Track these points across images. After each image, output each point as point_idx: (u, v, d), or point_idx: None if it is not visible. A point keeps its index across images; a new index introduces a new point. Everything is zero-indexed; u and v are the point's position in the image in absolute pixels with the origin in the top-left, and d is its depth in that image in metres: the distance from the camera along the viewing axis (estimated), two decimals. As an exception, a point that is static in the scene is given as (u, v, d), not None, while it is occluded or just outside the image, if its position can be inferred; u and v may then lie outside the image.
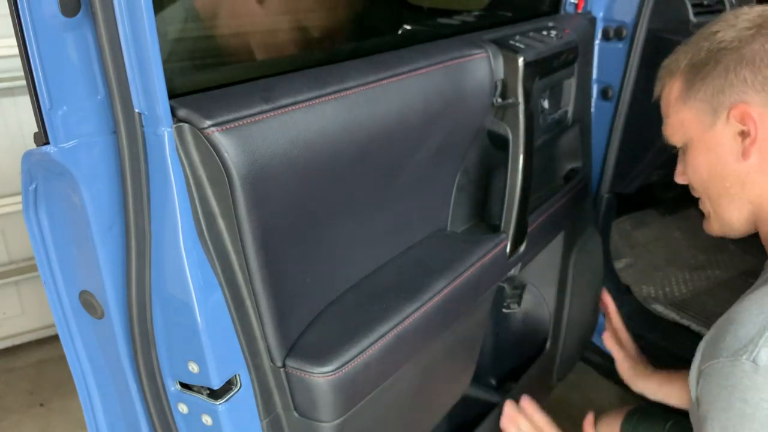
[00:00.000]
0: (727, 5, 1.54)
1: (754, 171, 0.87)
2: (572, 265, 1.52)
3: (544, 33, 1.20)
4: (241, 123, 0.67)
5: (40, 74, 0.59)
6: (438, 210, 1.10)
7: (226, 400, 0.75)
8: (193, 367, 0.72)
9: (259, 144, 0.68)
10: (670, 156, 1.03)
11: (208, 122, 0.65)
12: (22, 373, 2.19)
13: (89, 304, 0.73)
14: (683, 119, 0.93)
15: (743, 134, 0.86)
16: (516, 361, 1.58)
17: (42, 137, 0.62)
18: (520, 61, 1.05)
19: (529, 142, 1.10)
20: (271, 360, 0.78)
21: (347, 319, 0.86)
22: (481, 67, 1.02)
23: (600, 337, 1.79)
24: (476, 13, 1.32)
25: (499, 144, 1.11)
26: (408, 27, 1.21)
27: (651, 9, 1.45)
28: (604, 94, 1.55)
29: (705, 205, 0.98)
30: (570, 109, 1.39)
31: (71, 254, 0.73)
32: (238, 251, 0.71)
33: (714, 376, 0.79)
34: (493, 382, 1.55)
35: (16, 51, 0.60)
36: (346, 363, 0.80)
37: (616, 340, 1.31)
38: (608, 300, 1.41)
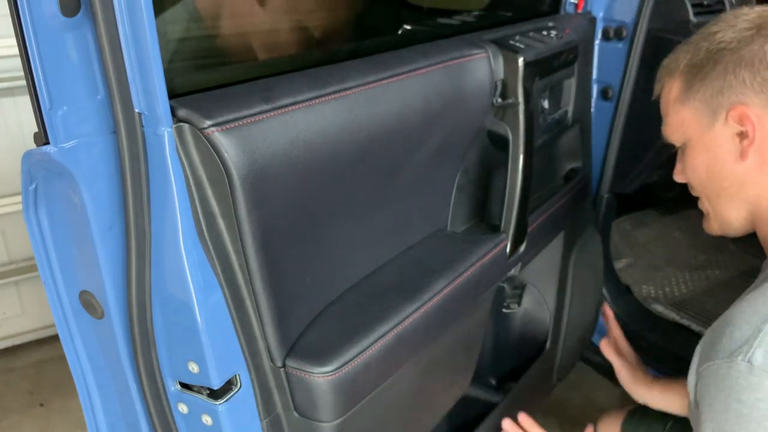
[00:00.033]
0: (727, 5, 1.54)
1: (752, 172, 0.88)
2: (572, 265, 1.52)
3: (544, 33, 1.20)
4: (241, 123, 0.67)
5: (40, 74, 0.59)
6: (438, 210, 1.10)
7: (226, 400, 0.75)
8: (193, 367, 0.72)
9: (259, 144, 0.68)
10: (670, 156, 1.03)
11: (208, 122, 0.65)
12: (22, 373, 2.19)
13: (89, 304, 0.73)
14: (682, 119, 0.93)
15: (741, 135, 0.86)
16: (516, 361, 1.58)
17: (42, 137, 0.62)
18: (520, 61, 1.05)
19: (529, 142, 1.10)
20: (271, 360, 0.78)
21: (347, 319, 0.86)
22: (481, 67, 1.02)
23: (600, 338, 1.80)
24: (476, 13, 1.32)
25: (499, 144, 1.11)
26: (408, 27, 1.21)
27: (651, 9, 1.45)
28: (604, 94, 1.55)
29: (704, 205, 0.98)
30: (570, 109, 1.39)
31: (71, 254, 0.73)
32: (238, 251, 0.71)
33: (711, 378, 0.79)
34: (493, 382, 1.55)
35: (16, 51, 0.60)
36: (346, 363, 0.80)
37: (614, 349, 1.31)
38: (608, 310, 1.41)
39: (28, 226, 0.73)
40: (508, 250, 1.14)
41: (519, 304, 1.53)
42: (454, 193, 1.11)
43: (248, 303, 0.74)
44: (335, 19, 1.06)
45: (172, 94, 0.64)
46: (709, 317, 1.70)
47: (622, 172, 1.64)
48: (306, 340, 0.82)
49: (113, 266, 0.69)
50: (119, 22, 0.59)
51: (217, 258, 0.71)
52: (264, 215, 0.71)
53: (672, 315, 1.77)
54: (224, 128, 0.66)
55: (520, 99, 1.07)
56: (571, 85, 1.36)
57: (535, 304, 1.55)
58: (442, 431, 1.41)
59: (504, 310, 1.52)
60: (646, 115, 1.52)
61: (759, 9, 0.91)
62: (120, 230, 0.68)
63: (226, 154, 0.65)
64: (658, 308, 1.80)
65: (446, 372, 1.15)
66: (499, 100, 1.07)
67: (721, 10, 1.52)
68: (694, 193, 1.00)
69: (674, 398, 1.16)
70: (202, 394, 0.75)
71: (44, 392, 2.09)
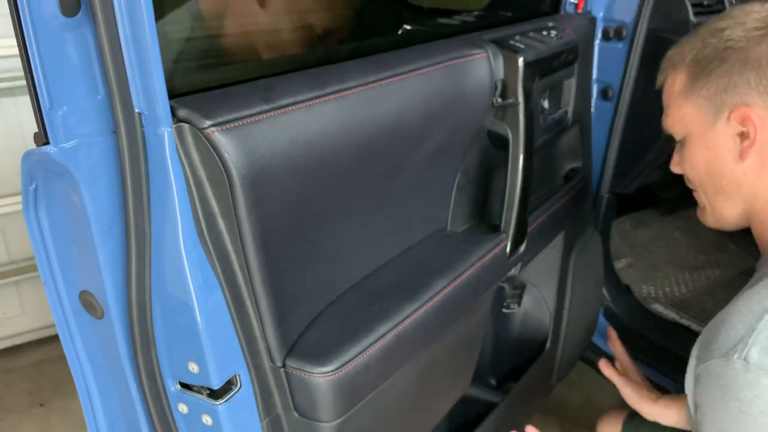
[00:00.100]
0: (727, 5, 1.54)
1: (750, 172, 0.88)
2: (572, 265, 1.52)
3: (544, 33, 1.20)
4: (241, 123, 0.67)
5: (40, 74, 0.59)
6: (438, 210, 1.10)
7: (226, 400, 0.75)
8: (193, 367, 0.72)
9: (259, 144, 0.68)
10: (670, 155, 1.03)
11: (208, 122, 0.65)
12: (22, 373, 2.19)
13: (89, 304, 0.73)
14: (684, 114, 0.93)
15: (742, 136, 0.86)
16: (516, 361, 1.58)
17: (42, 137, 0.62)
18: (520, 61, 1.05)
19: (529, 142, 1.10)
20: (271, 360, 0.78)
21: (347, 319, 0.86)
22: (481, 67, 1.02)
23: (600, 338, 1.80)
24: (476, 13, 1.32)
25: (499, 144, 1.11)
26: (408, 27, 1.21)
27: (651, 9, 1.45)
28: (604, 94, 1.55)
29: (700, 197, 0.98)
30: (570, 109, 1.39)
31: (71, 254, 0.73)
32: (238, 251, 0.71)
33: (708, 377, 0.79)
34: (493, 382, 1.55)
35: (16, 51, 0.60)
36: (346, 363, 0.80)
37: (615, 369, 1.30)
38: (612, 332, 1.39)
39: (28, 226, 0.73)
40: (508, 250, 1.14)
41: (519, 304, 1.53)
42: (454, 193, 1.11)
43: (248, 303, 0.74)
44: (335, 19, 1.06)
45: (172, 94, 0.64)
46: (709, 317, 1.69)
47: (622, 172, 1.64)
48: (306, 340, 0.82)
49: (113, 266, 0.69)
50: (119, 22, 0.59)
51: (217, 258, 0.71)
52: (264, 215, 0.71)
53: (672, 315, 1.77)
54: (224, 128, 0.66)
55: (520, 99, 1.07)
56: (571, 85, 1.36)
57: (535, 304, 1.55)
58: (442, 431, 1.41)
59: (504, 310, 1.52)
60: (646, 115, 1.52)
61: None
62: (120, 230, 0.68)
63: (226, 154, 0.65)
64: (658, 308, 1.80)
65: (446, 372, 1.15)
66: (499, 100, 1.07)
67: (721, 11, 1.52)
68: (690, 186, 1.00)
69: (681, 413, 1.15)
70: (202, 394, 0.75)
71: (44, 392, 2.09)
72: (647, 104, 1.50)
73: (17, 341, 2.29)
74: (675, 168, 1.01)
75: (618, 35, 1.49)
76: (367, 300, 0.90)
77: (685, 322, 1.74)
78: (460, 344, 1.15)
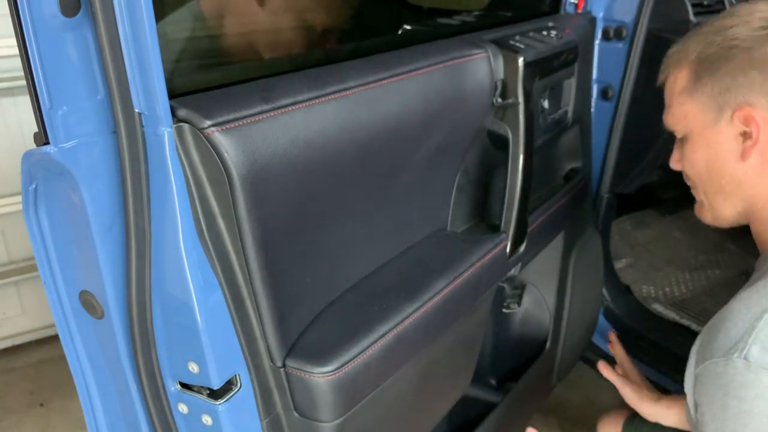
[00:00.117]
0: (727, 5, 1.54)
1: (751, 172, 0.87)
2: (572, 265, 1.52)
3: (544, 33, 1.20)
4: (241, 123, 0.67)
5: (40, 74, 0.59)
6: (438, 210, 1.10)
7: (226, 400, 0.75)
8: (193, 367, 0.72)
9: (259, 144, 0.68)
10: (670, 156, 1.03)
11: (208, 122, 0.65)
12: (22, 373, 2.19)
13: (89, 304, 0.73)
14: (686, 111, 0.92)
15: (745, 135, 0.86)
16: (516, 361, 1.58)
17: (42, 137, 0.62)
18: (520, 61, 1.05)
19: (529, 142, 1.10)
20: (271, 360, 0.78)
21: (347, 319, 0.86)
22: (481, 67, 1.02)
23: (600, 338, 1.80)
24: (476, 13, 1.32)
25: (499, 144, 1.11)
26: (408, 27, 1.21)
27: (651, 9, 1.45)
28: (604, 94, 1.55)
29: (698, 194, 0.98)
30: (570, 109, 1.39)
31: (71, 254, 0.73)
32: (238, 251, 0.71)
33: (708, 377, 0.79)
34: (493, 382, 1.55)
35: (16, 51, 0.60)
36: (346, 363, 0.80)
37: (615, 370, 1.30)
38: (613, 336, 1.39)
39: (28, 226, 0.73)
40: (508, 250, 1.14)
41: (519, 304, 1.53)
42: (454, 193, 1.11)
43: (248, 303, 0.74)
44: (335, 19, 1.06)
45: (172, 94, 0.64)
46: (709, 317, 1.69)
47: (622, 172, 1.64)
48: (306, 340, 0.82)
49: (113, 266, 0.69)
50: (119, 22, 0.59)
51: (217, 258, 0.71)
52: (264, 215, 0.71)
53: (672, 315, 1.77)
54: (224, 128, 0.66)
55: (520, 99, 1.07)
56: (571, 85, 1.36)
57: (535, 304, 1.55)
58: (442, 431, 1.41)
59: (504, 310, 1.52)
60: (646, 115, 1.52)
61: None
62: (120, 230, 0.68)
63: (226, 154, 0.65)
64: (658, 308, 1.80)
65: (446, 372, 1.15)
66: (499, 100, 1.06)
67: (721, 11, 1.52)
68: (688, 182, 0.99)
69: (682, 413, 1.15)
70: (202, 394, 0.75)
71: (44, 392, 2.09)
72: (647, 104, 1.50)
73: (17, 341, 2.29)
74: (675, 165, 1.00)
75: (618, 35, 1.49)
76: (367, 300, 0.90)
77: (685, 322, 1.74)
78: (460, 344, 1.15)
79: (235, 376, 0.76)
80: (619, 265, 1.93)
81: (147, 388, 0.74)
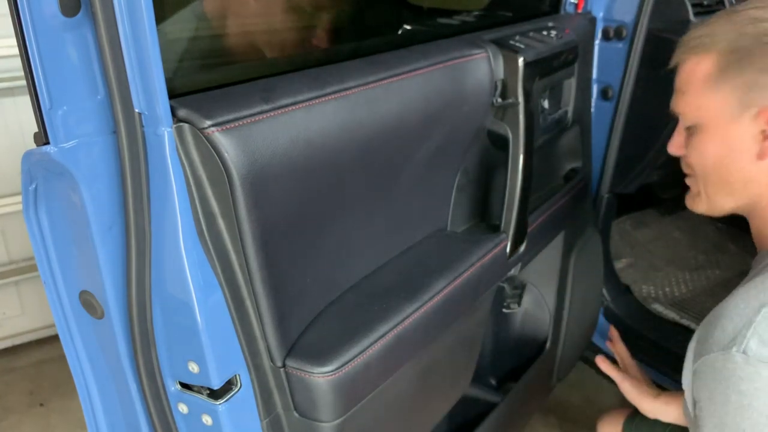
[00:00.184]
0: (727, 5, 1.54)
1: (764, 172, 0.85)
2: (572, 265, 1.52)
3: (544, 33, 1.20)
4: (241, 123, 0.67)
5: (40, 74, 0.59)
6: (438, 210, 1.10)
7: (226, 400, 0.75)
8: (193, 367, 0.72)
9: (259, 144, 0.68)
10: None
11: (208, 122, 0.65)
12: (22, 373, 2.19)
13: (89, 304, 0.73)
14: (704, 102, 0.87)
15: (764, 134, 0.83)
16: (516, 361, 1.58)
17: (42, 137, 0.62)
18: (520, 61, 1.05)
19: (529, 142, 1.10)
20: (271, 360, 0.78)
21: (347, 319, 0.86)
22: (481, 67, 1.02)
23: (600, 337, 1.80)
24: (476, 13, 1.32)
25: (499, 144, 1.11)
26: (408, 27, 1.21)
27: (651, 9, 1.45)
28: (604, 94, 1.55)
29: (696, 184, 0.94)
30: (570, 109, 1.39)
31: (71, 254, 0.73)
32: (238, 251, 0.71)
33: (707, 372, 0.79)
34: (493, 382, 1.55)
35: (16, 51, 0.60)
36: (346, 363, 0.80)
37: (614, 365, 1.29)
38: (614, 331, 1.38)
39: (28, 226, 0.73)
40: (508, 250, 1.14)
41: (519, 304, 1.53)
42: (454, 193, 1.11)
43: (248, 303, 0.74)
44: (335, 19, 1.06)
45: (172, 94, 0.64)
46: (709, 317, 1.70)
47: (622, 172, 1.64)
48: (306, 340, 0.82)
49: (113, 266, 0.69)
50: (119, 22, 0.59)
51: (217, 258, 0.71)
52: (264, 215, 0.71)
53: (672, 315, 1.77)
54: (224, 128, 0.66)
55: (520, 99, 1.07)
56: (571, 85, 1.36)
57: (535, 304, 1.55)
58: (442, 431, 1.41)
59: (504, 310, 1.52)
60: (646, 115, 1.52)
61: None
62: (120, 230, 0.68)
63: (226, 154, 0.65)
64: (658, 308, 1.80)
65: (446, 372, 1.15)
66: (499, 100, 1.06)
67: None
68: (686, 170, 0.96)
69: (681, 409, 1.15)
70: (202, 394, 0.75)
71: (44, 392, 2.09)
72: (647, 104, 1.51)
73: (17, 341, 2.29)
74: (675, 150, 0.96)
75: (618, 35, 1.49)
76: (367, 300, 0.90)
77: (685, 322, 1.74)
78: (460, 344, 1.15)
79: (235, 376, 0.76)
80: (619, 265, 1.93)
81: (147, 388, 0.74)
